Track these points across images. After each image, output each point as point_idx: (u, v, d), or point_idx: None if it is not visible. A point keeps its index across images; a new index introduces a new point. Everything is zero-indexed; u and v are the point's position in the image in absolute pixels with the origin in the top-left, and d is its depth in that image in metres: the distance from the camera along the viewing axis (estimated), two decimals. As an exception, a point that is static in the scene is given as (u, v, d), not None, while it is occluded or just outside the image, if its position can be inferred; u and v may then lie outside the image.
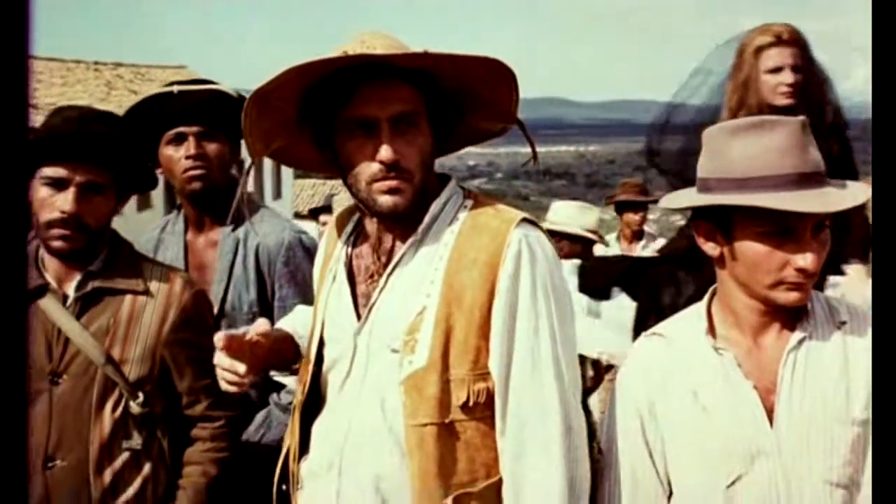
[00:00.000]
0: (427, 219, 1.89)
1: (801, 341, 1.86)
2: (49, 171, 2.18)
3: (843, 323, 1.89)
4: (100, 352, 2.22)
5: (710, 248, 1.90)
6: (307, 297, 2.40)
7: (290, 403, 2.24)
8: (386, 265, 1.91)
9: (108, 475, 2.22)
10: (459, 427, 1.82)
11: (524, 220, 1.89)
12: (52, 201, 2.18)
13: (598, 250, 5.42)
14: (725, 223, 1.85)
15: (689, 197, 1.92)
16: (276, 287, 2.74)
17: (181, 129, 2.69)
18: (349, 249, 2.01)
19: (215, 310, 2.68)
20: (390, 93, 1.81)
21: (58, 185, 2.19)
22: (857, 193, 1.84)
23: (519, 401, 1.81)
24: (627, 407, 1.96)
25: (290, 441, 2.00)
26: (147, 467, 2.27)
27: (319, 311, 2.01)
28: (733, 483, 1.83)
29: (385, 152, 1.79)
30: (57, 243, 2.20)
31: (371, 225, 1.95)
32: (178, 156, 2.71)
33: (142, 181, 2.38)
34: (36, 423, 2.22)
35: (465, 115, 1.95)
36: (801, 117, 1.85)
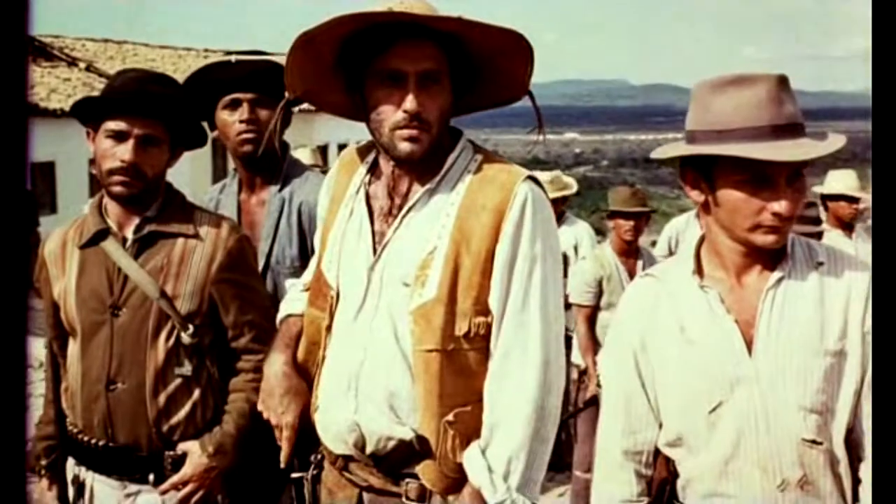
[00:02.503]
0: (443, 169, 2.10)
1: (779, 280, 1.99)
2: (111, 125, 2.45)
3: (821, 264, 2.01)
4: (155, 287, 2.48)
5: (696, 195, 2.03)
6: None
7: None
8: (401, 207, 2.11)
9: (162, 398, 2.49)
10: (459, 354, 2.03)
11: (529, 176, 2.09)
12: (113, 152, 2.45)
13: None
14: (708, 172, 1.98)
15: (675, 148, 2.06)
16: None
17: (237, 95, 2.93)
18: (365, 189, 2.19)
19: (261, 264, 2.91)
20: (421, 51, 2.01)
21: (118, 137, 2.45)
22: (830, 144, 1.95)
23: (507, 332, 2.03)
24: (622, 343, 2.11)
25: (317, 362, 2.20)
26: (197, 392, 2.52)
27: (335, 242, 2.20)
28: (715, 408, 1.97)
29: (410, 103, 1.99)
30: (117, 189, 2.47)
31: (387, 167, 2.14)
32: (232, 120, 2.95)
33: (193, 138, 2.63)
34: (97, 352, 2.49)
35: (482, 81, 2.13)
36: (779, 73, 1.97)
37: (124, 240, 2.53)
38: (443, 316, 2.02)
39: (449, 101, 2.08)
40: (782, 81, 1.95)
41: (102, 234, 2.53)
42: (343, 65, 2.09)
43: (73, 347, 2.56)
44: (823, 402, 1.94)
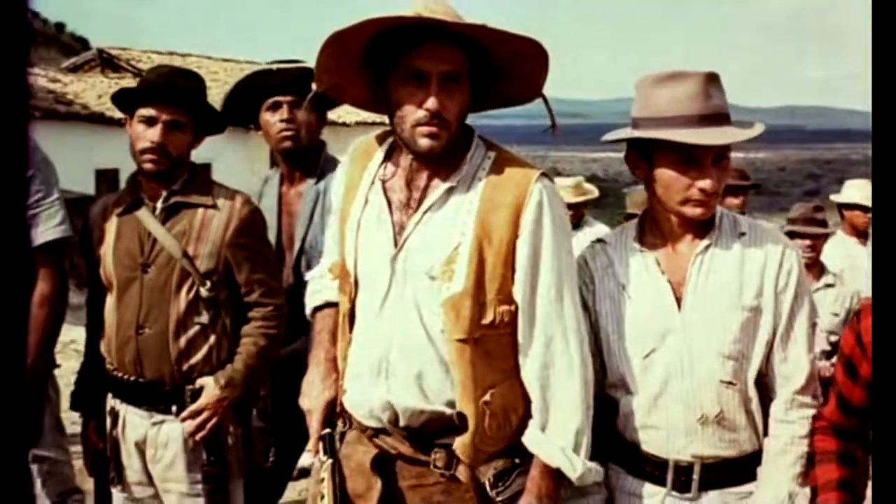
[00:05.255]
0: (462, 168, 2.22)
1: (707, 247, 2.30)
2: (143, 112, 2.90)
3: (743, 234, 2.33)
4: (178, 249, 2.90)
5: (639, 174, 2.36)
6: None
7: None
8: (420, 200, 2.23)
9: (182, 341, 2.91)
10: (486, 341, 2.18)
11: (542, 174, 2.24)
12: (144, 134, 2.89)
13: None
14: (648, 154, 2.30)
15: (620, 132, 2.39)
16: None
17: (277, 98, 3.39)
18: (382, 180, 2.31)
19: (296, 248, 3.36)
20: (444, 53, 2.12)
21: (149, 122, 2.89)
22: (750, 132, 2.27)
23: (545, 322, 2.18)
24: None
25: (342, 343, 2.35)
26: (213, 338, 2.94)
27: (352, 231, 2.31)
28: (649, 354, 2.29)
29: (432, 102, 2.11)
30: (147, 165, 2.91)
31: (405, 161, 2.26)
32: (273, 120, 3.40)
33: (213, 125, 3.06)
34: (130, 302, 2.92)
35: (499, 83, 2.25)
36: (709, 70, 2.29)
37: (154, 209, 2.95)
38: (470, 307, 2.15)
39: (467, 102, 2.20)
40: (711, 78, 2.27)
41: (136, 203, 2.97)
42: (369, 62, 2.19)
43: (110, 300, 2.98)
44: (739, 350, 2.25)
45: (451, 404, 2.19)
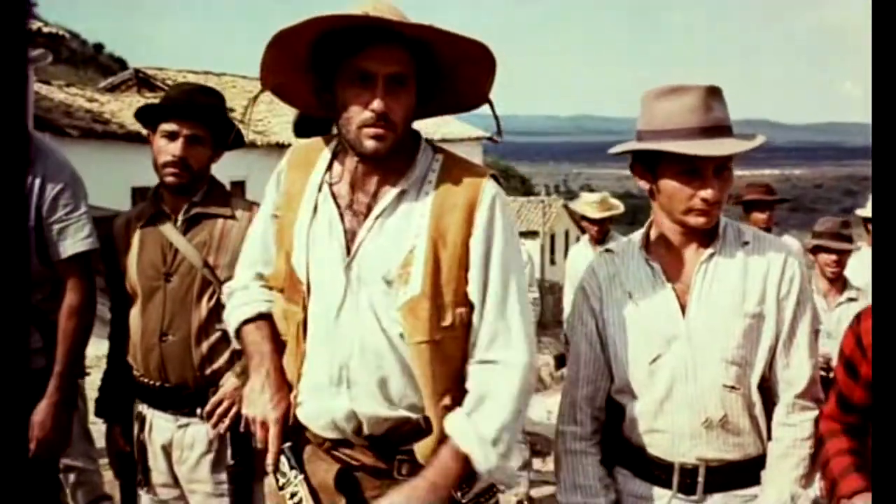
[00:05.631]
0: (411, 171, 2.21)
1: (711, 255, 2.36)
2: (165, 127, 3.02)
3: (746, 243, 2.39)
4: (199, 258, 3.01)
5: (644, 184, 2.41)
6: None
7: None
8: (370, 206, 2.21)
9: (204, 347, 3.01)
10: (445, 343, 2.16)
11: (492, 175, 2.27)
12: (166, 148, 3.02)
13: None
14: (652, 165, 2.36)
15: (626, 145, 2.44)
16: None
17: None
18: (329, 188, 2.27)
19: None
20: (391, 55, 2.10)
21: (171, 136, 3.01)
22: (750, 143, 2.32)
23: (491, 318, 2.17)
24: (585, 307, 2.47)
25: (296, 354, 2.27)
26: (234, 343, 3.01)
27: (301, 239, 2.26)
28: (655, 360, 2.34)
29: (378, 104, 2.09)
30: (169, 178, 3.02)
31: (351, 164, 2.24)
32: None
33: (232, 140, 3.14)
34: (153, 310, 3.03)
35: (446, 87, 2.24)
36: (709, 84, 2.35)
37: (175, 221, 3.07)
38: (429, 310, 2.13)
39: (413, 104, 2.19)
40: (712, 91, 2.33)
41: (158, 215, 3.09)
42: (315, 63, 2.18)
43: (135, 309, 3.09)
44: (742, 355, 2.30)
45: (415, 409, 2.18)
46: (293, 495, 2.23)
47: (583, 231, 7.87)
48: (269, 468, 2.26)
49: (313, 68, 2.19)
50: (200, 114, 3.04)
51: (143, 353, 3.06)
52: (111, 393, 3.25)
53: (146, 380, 3.09)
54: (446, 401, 2.17)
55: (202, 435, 3.04)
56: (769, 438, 2.34)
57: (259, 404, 2.27)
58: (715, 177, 2.30)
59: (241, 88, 23.92)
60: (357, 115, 2.13)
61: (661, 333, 2.35)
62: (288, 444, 2.27)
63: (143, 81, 23.28)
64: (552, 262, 33.66)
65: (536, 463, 7.18)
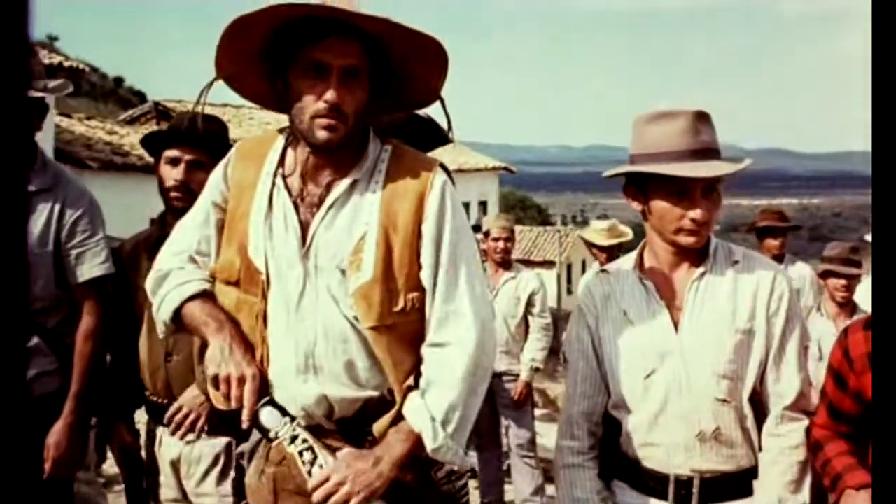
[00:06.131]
0: (363, 161, 2.25)
1: (702, 274, 2.44)
2: (169, 153, 3.18)
3: (736, 262, 2.47)
4: None
5: (636, 205, 2.50)
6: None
7: None
8: (323, 197, 2.24)
9: None
10: (399, 327, 2.21)
11: (441, 164, 2.32)
12: (170, 173, 3.16)
13: None
14: (644, 187, 2.45)
15: (619, 168, 2.53)
16: None
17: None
18: (283, 180, 2.29)
19: None
20: (346, 47, 2.14)
21: (174, 162, 3.16)
22: (736, 166, 2.43)
23: (442, 299, 2.22)
24: (582, 325, 2.56)
25: (259, 345, 2.29)
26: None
27: (257, 230, 2.27)
28: (649, 375, 2.42)
29: (331, 94, 2.12)
30: (174, 203, 3.15)
31: (302, 154, 2.26)
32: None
33: None
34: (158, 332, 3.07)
35: (398, 83, 2.28)
36: (697, 109, 2.44)
37: None
38: (380, 293, 2.18)
39: (366, 98, 2.21)
40: (700, 116, 2.42)
41: (162, 239, 3.17)
42: (270, 53, 2.20)
43: (143, 329, 3.19)
44: (734, 370, 2.38)
45: (382, 388, 2.23)
46: (294, 439, 2.23)
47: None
48: (245, 423, 2.23)
49: (268, 57, 2.22)
50: (201, 140, 3.16)
51: (151, 372, 3.17)
52: (114, 394, 3.35)
53: (155, 398, 3.20)
54: (410, 381, 2.22)
55: (208, 450, 3.12)
56: (760, 449, 2.41)
57: (231, 362, 2.23)
58: (703, 197, 2.38)
59: (259, 120, 24.18)
60: (310, 105, 2.16)
61: (655, 349, 2.43)
62: (267, 398, 2.25)
63: (162, 114, 23.59)
64: (569, 291, 33.62)
65: (550, 489, 7.22)
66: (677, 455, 2.40)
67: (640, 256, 2.56)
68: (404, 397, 2.21)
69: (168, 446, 3.20)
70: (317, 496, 2.15)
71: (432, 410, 2.17)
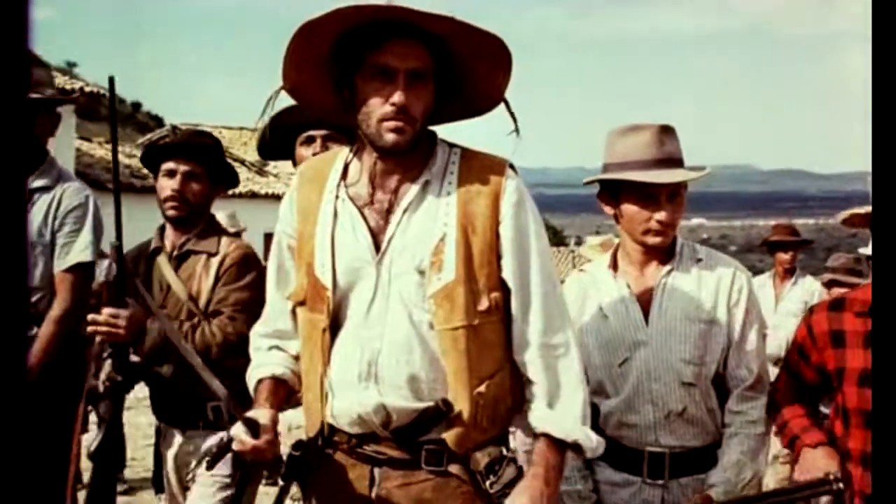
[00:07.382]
0: (432, 164, 2.25)
1: (669, 271, 2.71)
2: (165, 166, 3.40)
3: (700, 260, 2.74)
4: (185, 292, 3.34)
5: (608, 210, 2.77)
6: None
7: None
8: (392, 203, 2.24)
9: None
10: (481, 328, 2.19)
11: (510, 164, 2.29)
12: (166, 184, 3.37)
13: None
14: (616, 193, 2.72)
15: (593, 176, 2.79)
16: None
17: (311, 133, 3.37)
18: (346, 193, 2.28)
19: None
20: (412, 50, 2.14)
21: (170, 174, 3.38)
22: (697, 173, 2.70)
23: (542, 305, 2.22)
24: None
25: (321, 359, 2.27)
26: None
27: (323, 246, 2.26)
28: (623, 363, 2.69)
29: (398, 97, 2.12)
30: (169, 212, 3.38)
31: (369, 161, 2.25)
32: (307, 154, 3.32)
33: (227, 178, 3.52)
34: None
35: (462, 88, 2.27)
36: (663, 123, 2.71)
37: (170, 255, 3.41)
38: (464, 294, 2.16)
39: (432, 101, 2.21)
40: (665, 129, 2.70)
41: (158, 250, 3.45)
42: (336, 59, 2.20)
43: None
44: (699, 356, 2.64)
45: (437, 398, 2.20)
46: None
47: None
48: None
49: (334, 64, 2.23)
50: (195, 152, 3.41)
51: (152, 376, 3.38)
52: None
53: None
54: (481, 388, 2.19)
55: (203, 443, 3.30)
56: (723, 426, 2.67)
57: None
58: (668, 202, 2.65)
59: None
60: (377, 108, 2.16)
61: (628, 340, 2.70)
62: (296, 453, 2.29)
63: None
64: (582, 311, 33.77)
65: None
66: (650, 434, 2.65)
67: (614, 257, 2.82)
68: (476, 403, 2.19)
69: (170, 442, 3.45)
70: None
71: (577, 415, 2.21)
